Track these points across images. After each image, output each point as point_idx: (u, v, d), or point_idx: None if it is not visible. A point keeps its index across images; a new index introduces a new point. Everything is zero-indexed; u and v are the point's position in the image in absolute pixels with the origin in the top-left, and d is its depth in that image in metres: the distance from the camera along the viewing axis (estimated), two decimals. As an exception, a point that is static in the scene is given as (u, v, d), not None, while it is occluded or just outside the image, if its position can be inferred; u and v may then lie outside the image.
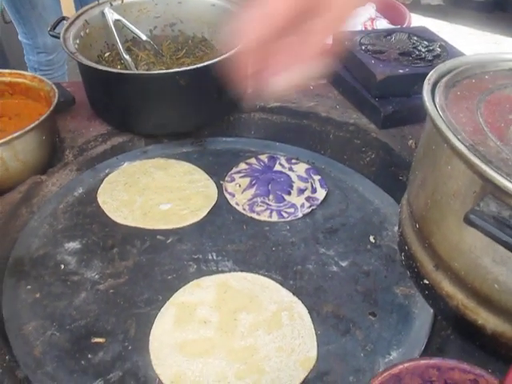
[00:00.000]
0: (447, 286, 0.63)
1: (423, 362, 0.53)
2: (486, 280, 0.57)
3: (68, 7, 2.21)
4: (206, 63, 0.98)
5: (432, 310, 0.74)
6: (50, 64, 2.16)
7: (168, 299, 0.78)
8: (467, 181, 0.55)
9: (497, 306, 0.58)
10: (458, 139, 0.54)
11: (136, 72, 1.09)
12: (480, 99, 0.65)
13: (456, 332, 0.69)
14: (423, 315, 0.76)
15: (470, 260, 0.57)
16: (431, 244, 0.64)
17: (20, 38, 2.08)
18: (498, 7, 3.64)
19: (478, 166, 0.51)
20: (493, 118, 0.61)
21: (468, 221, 0.48)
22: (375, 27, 1.83)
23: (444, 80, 0.68)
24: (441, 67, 0.72)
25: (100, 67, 1.00)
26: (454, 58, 0.79)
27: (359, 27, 1.80)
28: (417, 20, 3.38)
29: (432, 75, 0.69)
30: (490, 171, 0.50)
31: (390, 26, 1.85)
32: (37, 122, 0.94)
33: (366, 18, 1.85)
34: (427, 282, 0.66)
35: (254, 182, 1.00)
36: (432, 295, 0.67)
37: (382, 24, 1.86)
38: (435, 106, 0.61)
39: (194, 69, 0.97)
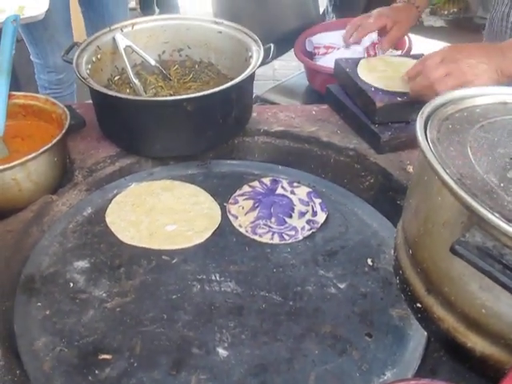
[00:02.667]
0: (438, 310, 0.66)
1: (413, 382, 0.56)
2: (474, 305, 0.60)
3: (79, 29, 2.28)
4: (212, 90, 1.02)
5: (426, 332, 0.77)
6: (60, 83, 2.22)
7: (173, 318, 0.82)
8: (456, 212, 0.58)
9: (484, 330, 0.61)
10: (447, 173, 0.58)
11: (145, 98, 1.14)
12: (470, 132, 0.69)
13: (447, 354, 0.72)
14: (417, 337, 0.79)
15: (459, 286, 0.61)
16: (423, 269, 0.67)
17: (32, 57, 2.14)
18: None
19: (464, 198, 0.54)
20: (481, 152, 0.65)
21: (454, 251, 0.52)
22: (377, 52, 1.88)
23: (437, 113, 0.72)
24: (435, 100, 0.75)
25: (110, 93, 1.05)
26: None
27: (362, 52, 1.84)
28: (420, 42, 3.44)
29: (426, 108, 0.73)
30: (475, 204, 0.53)
31: (392, 51, 1.89)
32: (49, 145, 0.98)
33: (369, 43, 1.90)
34: (420, 306, 0.69)
35: (256, 204, 1.04)
36: (425, 318, 0.70)
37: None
38: (427, 140, 0.65)
39: (201, 96, 1.02)
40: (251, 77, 1.11)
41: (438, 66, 1.01)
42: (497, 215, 0.53)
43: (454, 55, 1.01)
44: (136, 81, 1.20)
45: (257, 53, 1.14)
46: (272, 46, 1.15)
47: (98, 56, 1.20)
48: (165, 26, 1.30)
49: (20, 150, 1.07)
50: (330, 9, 2.75)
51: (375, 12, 1.47)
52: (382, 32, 1.43)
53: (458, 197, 0.55)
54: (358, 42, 1.57)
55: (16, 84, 1.94)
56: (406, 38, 1.92)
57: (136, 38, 1.27)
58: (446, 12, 4.11)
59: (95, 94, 1.10)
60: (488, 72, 0.96)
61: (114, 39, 1.22)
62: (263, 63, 1.11)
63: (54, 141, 0.99)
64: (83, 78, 1.06)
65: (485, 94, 0.78)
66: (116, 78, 1.26)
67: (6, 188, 0.96)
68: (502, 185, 0.59)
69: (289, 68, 3.17)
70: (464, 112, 0.74)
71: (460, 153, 0.64)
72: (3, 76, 1.07)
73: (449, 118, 0.72)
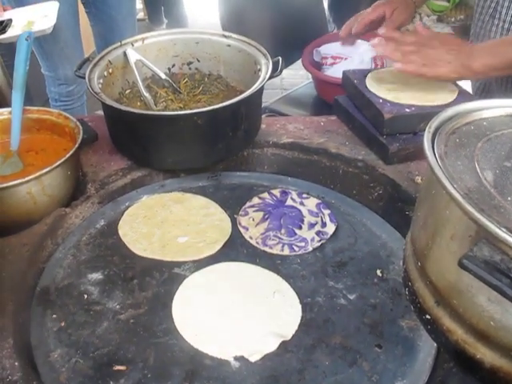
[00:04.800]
0: (447, 322, 0.67)
1: (423, 394, 0.57)
2: (482, 317, 0.61)
3: (88, 41, 2.31)
4: (222, 104, 1.04)
5: (435, 343, 0.78)
6: (70, 95, 2.25)
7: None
8: (463, 226, 0.59)
9: (493, 342, 0.62)
10: (454, 188, 0.59)
11: (156, 113, 1.16)
12: (477, 146, 0.70)
13: (457, 365, 0.72)
14: (427, 348, 0.79)
15: (468, 298, 0.61)
16: (432, 282, 0.68)
17: (43, 70, 2.17)
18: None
19: (472, 213, 0.55)
20: (489, 165, 0.66)
21: (461, 265, 0.53)
22: (385, 62, 1.89)
23: (444, 127, 0.73)
24: (442, 114, 0.76)
25: (122, 108, 1.07)
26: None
27: (369, 62, 1.86)
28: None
29: (433, 122, 0.74)
30: (483, 219, 0.54)
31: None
32: (63, 159, 1.00)
33: (376, 53, 1.91)
34: (429, 317, 0.70)
35: (266, 216, 1.05)
36: (434, 330, 0.70)
37: (392, 58, 1.91)
38: (435, 154, 0.66)
39: (211, 110, 1.03)
40: (260, 90, 1.12)
41: (411, 43, 1.14)
42: (504, 230, 0.53)
43: (427, 40, 1.15)
44: (147, 94, 1.22)
45: (265, 66, 1.16)
46: (280, 59, 1.17)
47: (110, 70, 1.22)
48: (174, 39, 1.33)
49: (34, 164, 1.09)
50: (330, 19, 2.77)
51: (371, 6, 1.51)
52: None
53: (466, 211, 0.56)
54: (358, 34, 1.56)
55: (27, 96, 1.96)
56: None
57: (146, 52, 1.29)
58: (453, 19, 4.12)
59: (107, 108, 1.12)
60: (452, 64, 1.08)
61: (124, 54, 1.25)
62: (272, 77, 1.13)
63: (68, 155, 1.01)
64: (96, 92, 1.08)
65: (492, 107, 0.79)
66: (127, 91, 1.28)
67: (21, 202, 0.98)
68: (509, 199, 0.60)
69: (297, 77, 3.18)
70: (471, 125, 0.75)
71: (467, 167, 0.65)
72: (18, 92, 1.10)
73: (456, 132, 0.73)
